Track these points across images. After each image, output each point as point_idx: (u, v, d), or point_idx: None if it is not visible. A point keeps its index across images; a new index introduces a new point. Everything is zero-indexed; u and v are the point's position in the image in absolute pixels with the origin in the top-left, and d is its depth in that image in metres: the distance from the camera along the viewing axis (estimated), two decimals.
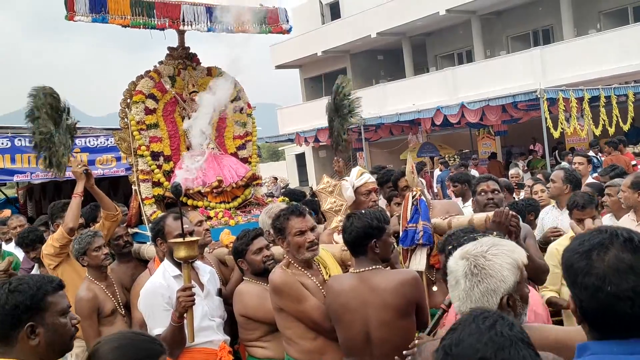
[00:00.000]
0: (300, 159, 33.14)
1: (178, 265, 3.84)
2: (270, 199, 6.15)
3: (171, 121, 5.67)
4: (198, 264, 4.12)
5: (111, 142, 10.38)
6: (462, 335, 1.68)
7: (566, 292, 3.23)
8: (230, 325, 4.21)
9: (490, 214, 3.68)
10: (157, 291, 3.84)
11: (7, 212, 10.50)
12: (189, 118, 5.71)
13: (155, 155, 5.56)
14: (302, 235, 3.57)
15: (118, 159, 10.41)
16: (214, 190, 5.39)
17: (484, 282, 2.10)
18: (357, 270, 3.34)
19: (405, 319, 3.25)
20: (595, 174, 8.15)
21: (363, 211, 3.47)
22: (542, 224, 5.55)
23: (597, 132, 16.26)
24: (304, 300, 3.52)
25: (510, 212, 3.60)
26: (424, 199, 4.16)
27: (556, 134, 15.88)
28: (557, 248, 4.34)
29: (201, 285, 3.98)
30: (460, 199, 6.98)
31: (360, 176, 4.53)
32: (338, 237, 4.17)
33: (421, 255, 4.07)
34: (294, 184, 28.58)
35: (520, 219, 3.76)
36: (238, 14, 5.37)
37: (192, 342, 3.67)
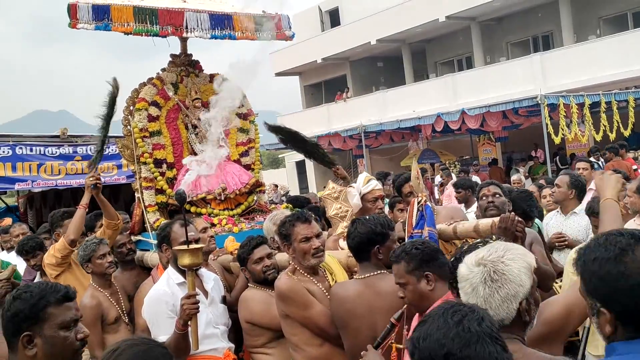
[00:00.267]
0: (301, 166, 33.12)
1: (182, 272, 3.82)
2: (274, 205, 6.13)
3: (174, 128, 5.66)
4: (202, 271, 4.10)
5: (112, 150, 10.38)
6: (430, 330, 1.72)
7: None
8: (235, 333, 4.19)
9: (496, 219, 3.66)
10: (161, 299, 3.82)
11: (8, 220, 10.49)
12: (192, 125, 5.71)
13: (158, 163, 5.55)
14: (307, 242, 3.56)
15: (119, 166, 10.41)
16: (218, 197, 5.38)
17: (504, 288, 2.07)
18: (362, 276, 3.34)
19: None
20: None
21: (367, 217, 3.46)
22: (546, 229, 5.54)
23: (598, 137, 16.26)
24: (309, 306, 3.50)
25: (516, 217, 3.59)
26: (430, 205, 4.15)
27: (557, 140, 15.89)
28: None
29: (205, 293, 3.97)
30: (463, 205, 6.96)
31: (367, 183, 4.52)
32: (344, 243, 4.15)
33: None
34: (294, 191, 28.54)
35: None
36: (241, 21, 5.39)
37: (196, 349, 3.65)
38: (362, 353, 2.88)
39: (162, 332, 3.71)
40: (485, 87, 21.10)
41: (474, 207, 6.27)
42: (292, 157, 33.62)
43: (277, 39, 5.80)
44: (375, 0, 28.48)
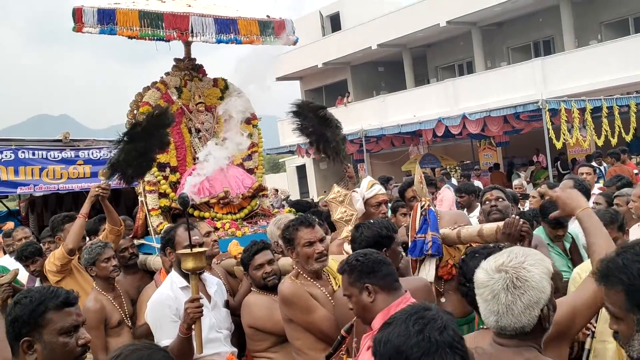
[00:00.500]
0: (301, 170, 33.14)
1: (185, 276, 3.82)
2: (277, 209, 6.14)
3: (177, 132, 5.66)
4: (205, 275, 4.10)
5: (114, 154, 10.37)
6: (392, 335, 1.75)
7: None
8: (238, 337, 4.19)
9: (501, 224, 3.67)
10: (164, 302, 3.82)
11: (10, 224, 10.49)
12: (195, 129, 5.71)
13: (161, 167, 5.54)
14: (311, 246, 3.56)
15: None
16: (221, 201, 5.38)
17: (526, 295, 2.04)
18: None
19: None
20: (598, 184, 8.14)
21: (372, 221, 3.45)
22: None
23: (600, 142, 16.27)
24: (313, 311, 3.50)
25: (520, 219, 3.59)
26: (433, 210, 4.15)
27: (558, 145, 15.90)
28: (579, 273, 3.94)
29: (208, 297, 3.96)
30: (465, 209, 6.96)
31: (370, 187, 4.53)
32: (348, 247, 4.15)
33: (430, 266, 4.05)
34: (295, 195, 28.54)
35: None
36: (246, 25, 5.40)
37: (200, 353, 3.64)
38: None
39: (166, 336, 3.70)
40: (486, 92, 21.12)
41: (477, 211, 6.27)
42: (293, 161, 33.63)
43: (281, 44, 5.81)
44: (376, 5, 28.54)
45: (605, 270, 1.88)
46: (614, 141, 16.03)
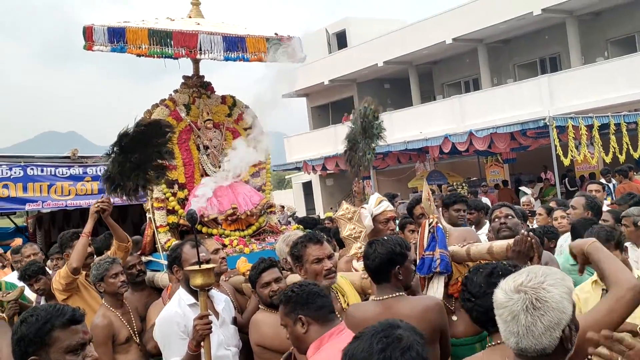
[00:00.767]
0: (307, 187, 33.14)
1: (193, 293, 3.81)
2: (284, 226, 6.13)
3: (186, 149, 5.69)
4: (213, 292, 4.09)
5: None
6: (356, 350, 1.83)
7: None
8: (246, 355, 4.17)
9: (511, 241, 3.65)
10: (172, 320, 3.81)
11: (18, 240, 10.53)
12: (204, 146, 5.74)
13: (170, 183, 5.56)
14: (319, 263, 3.55)
15: None
16: (229, 218, 5.38)
17: (547, 315, 1.99)
18: (380, 298, 3.30)
19: (430, 346, 3.19)
20: (606, 201, 8.11)
21: (385, 238, 3.44)
22: (561, 251, 5.49)
23: (608, 159, 16.22)
24: None
25: (530, 234, 3.58)
26: (441, 227, 4.13)
27: (566, 162, 15.86)
28: (577, 294, 3.89)
29: (216, 314, 3.95)
30: (473, 226, 6.92)
31: (378, 204, 4.52)
32: (357, 264, 4.14)
33: (439, 284, 4.02)
34: (301, 212, 28.52)
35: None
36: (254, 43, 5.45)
37: None
38: None
39: (174, 353, 3.69)
40: (493, 108, 21.13)
41: (485, 228, 6.24)
42: (299, 178, 33.66)
43: (289, 61, 5.84)
44: (381, 22, 28.68)
45: None
46: (621, 158, 15.98)
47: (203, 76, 6.01)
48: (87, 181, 10.02)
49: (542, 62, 24.80)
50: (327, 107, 32.44)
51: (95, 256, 5.26)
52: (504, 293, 2.08)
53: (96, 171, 10.31)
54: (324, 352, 2.76)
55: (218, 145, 5.80)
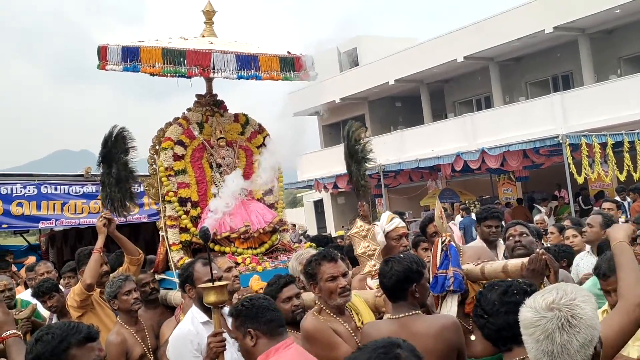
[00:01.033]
0: (319, 205, 33.11)
1: (206, 311, 3.80)
2: (297, 244, 6.13)
3: (199, 167, 5.71)
4: (226, 310, 4.08)
5: (134, 188, 10.48)
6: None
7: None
8: None
9: (525, 260, 3.62)
10: (186, 338, 3.80)
11: (31, 258, 10.57)
12: (216, 164, 5.76)
13: (182, 201, 5.59)
14: (334, 281, 3.53)
15: (140, 205, 10.49)
16: (242, 236, 5.39)
17: (582, 333, 1.98)
18: (396, 316, 3.27)
19: None
20: (621, 219, 8.03)
21: (401, 255, 3.42)
22: (576, 270, 5.43)
23: (622, 177, 16.09)
24: (336, 347, 3.45)
25: (544, 252, 3.55)
26: (454, 245, 4.11)
27: (580, 180, 15.75)
28: None
29: (229, 332, 3.93)
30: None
31: (390, 221, 4.50)
32: (372, 282, 4.11)
33: (452, 302, 3.98)
34: (312, 230, 28.47)
35: None
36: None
37: None
38: None
39: None
40: (505, 126, 21.06)
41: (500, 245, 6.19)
42: (311, 196, 33.64)
43: (301, 79, 5.87)
44: (393, 40, 28.76)
45: None
46: (636, 176, 15.85)
47: (216, 94, 6.06)
48: (100, 199, 10.07)
49: (554, 80, 24.73)
50: (339, 125, 32.48)
51: (109, 275, 5.28)
52: (534, 312, 2.04)
53: None
54: None
55: (231, 163, 5.82)
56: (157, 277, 5.44)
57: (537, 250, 3.70)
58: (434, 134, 23.97)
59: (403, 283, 3.25)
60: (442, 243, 4.08)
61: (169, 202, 5.56)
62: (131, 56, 5.16)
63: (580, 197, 17.99)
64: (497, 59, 24.61)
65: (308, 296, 4.03)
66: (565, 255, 5.29)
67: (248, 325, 3.04)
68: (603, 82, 20.60)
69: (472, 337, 3.86)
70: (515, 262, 3.74)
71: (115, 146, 5.34)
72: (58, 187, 9.94)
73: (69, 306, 5.04)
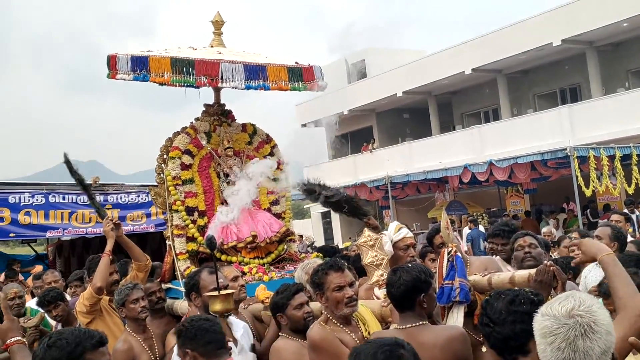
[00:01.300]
0: (326, 216, 33.07)
1: None
2: (304, 254, 6.12)
3: (206, 177, 5.73)
4: (231, 319, 4.08)
5: (142, 198, 10.52)
6: (362, 353, 2.17)
7: None
8: None
9: (533, 271, 3.60)
10: None
11: (38, 267, 10.61)
12: (224, 174, 5.76)
13: (190, 211, 5.59)
14: (340, 291, 3.51)
15: (148, 215, 10.54)
16: (248, 246, 5.38)
17: (603, 339, 1.96)
18: (403, 327, 3.25)
19: None
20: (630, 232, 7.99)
21: (409, 265, 3.41)
22: (585, 282, 5.38)
23: (630, 190, 16.04)
24: (342, 357, 3.42)
25: (550, 263, 3.54)
26: (460, 256, 4.09)
27: (588, 193, 15.70)
28: None
29: (235, 341, 3.93)
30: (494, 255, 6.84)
31: (398, 231, 4.49)
32: (379, 292, 4.10)
33: (458, 313, 3.96)
34: (320, 242, 28.41)
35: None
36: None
37: None
38: None
39: None
40: (513, 138, 21.04)
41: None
42: (318, 207, 33.58)
43: (310, 90, 5.88)
44: (401, 52, 28.81)
45: None
46: None
47: (224, 104, 6.07)
48: (108, 209, 10.10)
49: (562, 93, 24.71)
50: (347, 136, 32.52)
51: (119, 283, 5.29)
52: (553, 319, 2.02)
53: (117, 199, 10.41)
54: None
55: (238, 172, 5.82)
56: (164, 286, 5.44)
57: (545, 261, 3.68)
58: (441, 146, 23.96)
59: (411, 293, 3.24)
60: (448, 254, 4.07)
61: (176, 211, 5.57)
62: (140, 65, 5.19)
63: (588, 210, 17.92)
64: (505, 72, 24.63)
65: (315, 306, 4.01)
66: (571, 267, 5.26)
67: (187, 345, 3.12)
68: (611, 95, 20.58)
69: (484, 349, 3.84)
70: (522, 274, 3.72)
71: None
72: (66, 196, 9.99)
73: (78, 312, 5.03)
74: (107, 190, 10.58)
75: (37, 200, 9.77)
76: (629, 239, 6.73)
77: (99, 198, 10.12)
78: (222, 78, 5.30)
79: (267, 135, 6.18)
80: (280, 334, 4.02)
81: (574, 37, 20.85)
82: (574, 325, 1.98)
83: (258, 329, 4.56)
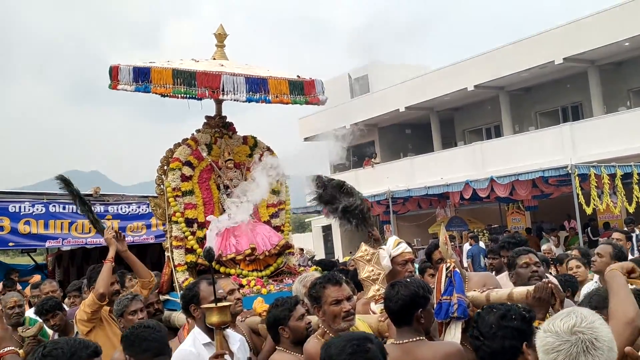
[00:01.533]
0: (327, 230, 33.02)
1: (209, 332, 3.78)
2: (302, 267, 6.10)
3: (206, 188, 5.73)
4: (228, 331, 4.05)
5: (142, 209, 10.51)
6: (332, 346, 2.43)
7: None
8: None
9: (531, 288, 3.59)
10: (187, 359, 3.77)
11: (37, 277, 10.58)
12: (224, 186, 5.77)
13: (189, 222, 5.59)
14: (338, 305, 3.50)
15: (148, 226, 10.52)
16: (247, 258, 5.37)
17: (604, 355, 1.99)
18: (400, 342, 3.23)
19: None
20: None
21: (408, 280, 3.40)
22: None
23: (631, 209, 16.01)
24: None
25: (550, 281, 3.53)
26: (459, 271, 4.08)
27: (589, 211, 15.68)
28: None
29: (231, 354, 3.90)
30: (494, 272, 6.83)
31: (397, 246, 4.48)
32: (375, 307, 4.08)
33: (456, 329, 3.95)
34: (320, 255, 28.34)
35: None
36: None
37: None
38: None
39: None
40: (514, 155, 21.06)
41: (504, 274, 6.15)
42: (319, 221, 33.56)
43: (311, 103, 5.89)
44: (403, 68, 28.90)
45: None
46: None
47: (225, 116, 6.09)
48: (108, 219, 10.10)
49: (563, 111, 24.75)
50: (349, 151, 32.55)
51: (119, 293, 5.27)
52: (555, 336, 2.04)
53: (117, 209, 10.41)
54: None
55: (238, 185, 5.83)
56: (162, 297, 5.42)
57: (544, 279, 3.67)
58: (443, 162, 23.98)
59: (409, 307, 3.23)
60: (447, 269, 4.06)
61: (176, 222, 5.57)
62: (142, 76, 5.21)
63: (589, 228, 17.89)
64: (507, 89, 24.69)
65: (312, 319, 3.99)
66: (569, 285, 5.25)
67: (127, 351, 3.31)
68: (612, 114, 20.64)
69: None
70: (520, 290, 3.71)
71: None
72: (66, 206, 9.98)
73: (78, 320, 5.00)
74: (108, 201, 10.58)
75: (37, 209, 9.77)
76: (630, 257, 6.72)
77: (100, 208, 10.13)
78: (223, 90, 5.32)
79: (268, 147, 6.19)
80: (277, 347, 3.99)
81: (576, 55, 20.92)
82: (576, 341, 1.99)
83: (255, 342, 4.54)
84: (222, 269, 5.37)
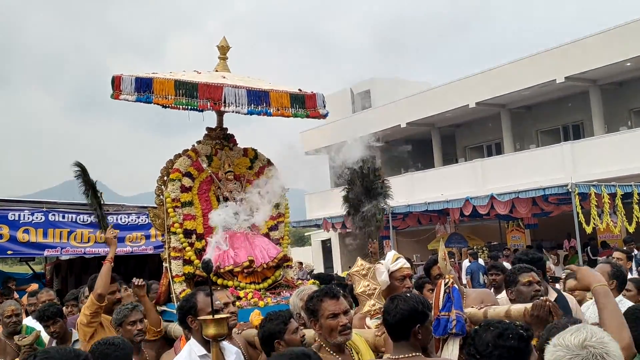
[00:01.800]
0: (326, 244, 32.97)
1: (205, 344, 3.75)
2: (300, 281, 6.09)
3: (206, 200, 5.73)
4: (224, 344, 4.02)
5: (142, 220, 10.50)
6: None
7: None
8: None
9: (529, 305, 3.58)
10: None
11: (34, 286, 10.54)
12: (224, 197, 5.77)
13: (188, 233, 5.59)
14: (335, 318, 3.49)
15: (147, 237, 10.50)
16: (245, 270, 5.36)
17: None
18: (396, 357, 3.22)
19: None
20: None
21: (407, 295, 3.38)
22: (584, 318, 5.34)
23: (631, 229, 15.99)
24: None
25: (547, 298, 3.52)
26: (457, 287, 4.07)
27: (588, 230, 15.66)
28: None
29: None
30: (492, 288, 6.81)
31: (395, 261, 4.47)
32: (371, 322, 4.07)
33: (454, 346, 3.93)
34: (319, 269, 28.27)
35: None
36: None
37: None
38: None
39: None
40: (515, 173, 21.08)
41: (503, 293, 6.13)
42: (318, 235, 33.52)
43: (312, 117, 5.91)
44: (406, 84, 29.00)
45: None
46: None
47: (226, 128, 6.10)
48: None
49: (565, 130, 24.81)
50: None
51: (120, 302, 5.26)
52: (566, 350, 2.05)
53: (117, 219, 10.40)
54: None
55: (238, 197, 5.83)
56: (159, 308, 5.40)
57: (542, 297, 3.66)
58: (443, 178, 23.99)
59: (407, 322, 3.21)
60: (445, 285, 4.05)
61: (174, 233, 5.56)
62: (144, 87, 5.22)
63: (588, 247, 17.86)
64: (509, 106, 24.75)
65: (308, 333, 3.98)
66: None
67: None
68: (613, 133, 20.67)
69: None
70: (518, 308, 3.69)
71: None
72: (66, 215, 9.98)
73: (79, 325, 4.98)
74: (108, 211, 10.56)
75: (36, 218, 9.77)
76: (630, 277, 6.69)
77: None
78: (224, 102, 5.34)
79: (268, 160, 6.20)
80: None
81: (577, 74, 20.99)
82: (587, 356, 2.01)
83: (251, 355, 4.51)
84: (219, 281, 5.36)
